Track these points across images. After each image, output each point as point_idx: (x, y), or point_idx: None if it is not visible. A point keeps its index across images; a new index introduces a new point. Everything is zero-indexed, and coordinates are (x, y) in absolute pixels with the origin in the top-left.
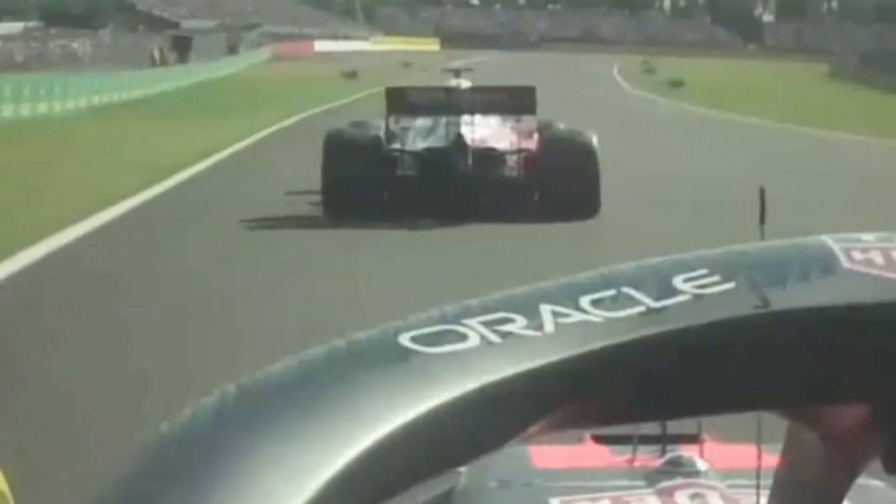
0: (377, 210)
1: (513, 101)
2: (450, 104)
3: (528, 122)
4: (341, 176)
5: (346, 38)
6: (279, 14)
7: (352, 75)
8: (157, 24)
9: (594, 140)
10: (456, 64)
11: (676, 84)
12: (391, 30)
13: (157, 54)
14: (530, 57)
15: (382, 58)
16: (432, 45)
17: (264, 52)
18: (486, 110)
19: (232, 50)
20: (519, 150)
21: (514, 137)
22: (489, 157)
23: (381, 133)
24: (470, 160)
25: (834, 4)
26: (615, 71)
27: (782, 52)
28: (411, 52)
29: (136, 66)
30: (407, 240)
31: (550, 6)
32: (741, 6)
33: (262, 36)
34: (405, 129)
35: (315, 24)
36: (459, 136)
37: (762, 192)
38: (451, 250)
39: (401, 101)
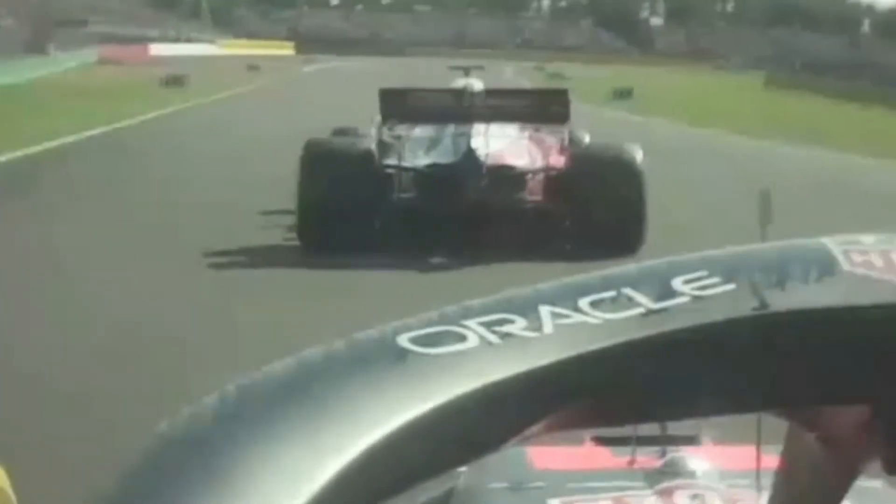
0: (366, 243)
1: (538, 108)
2: (459, 110)
3: (556, 133)
4: (321, 198)
5: (190, 40)
6: (114, 13)
7: (176, 82)
8: None
9: (639, 157)
10: (309, 69)
11: (624, 94)
12: (242, 33)
13: None
14: (395, 63)
15: (227, 62)
16: (286, 49)
17: (86, 55)
18: (505, 118)
19: (35, 49)
20: (545, 169)
21: (538, 153)
22: (507, 176)
23: (373, 145)
24: (484, 180)
25: (729, 7)
26: (510, 76)
27: (674, 57)
28: (261, 57)
29: None
30: (404, 283)
31: (417, 7)
32: (626, 9)
33: (90, 36)
34: (402, 141)
35: (156, 26)
36: (470, 151)
37: (763, 196)
38: (461, 298)
39: (398, 106)
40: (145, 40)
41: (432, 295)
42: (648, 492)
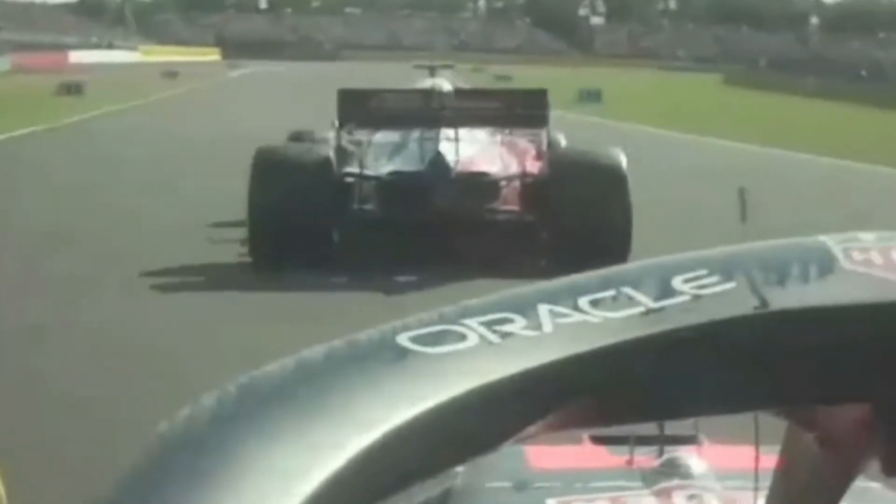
0: (325, 259)
1: (515, 110)
2: (427, 113)
3: (534, 137)
4: (274, 210)
5: (111, 47)
6: (31, 19)
7: (74, 90)
8: None
9: (622, 161)
10: (235, 74)
11: (592, 96)
12: (168, 39)
13: None
14: (325, 67)
15: (144, 69)
16: (212, 54)
17: None
18: (478, 122)
19: None
20: (520, 176)
21: (512, 158)
22: (479, 184)
23: (331, 151)
24: (453, 189)
25: (672, 5)
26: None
27: (615, 57)
28: (184, 63)
29: None
30: (367, 305)
31: (348, 10)
32: (565, 8)
33: (4, 43)
34: (363, 146)
35: (77, 33)
36: (438, 156)
37: (741, 193)
38: None
39: (358, 108)
40: (65, 47)
41: (399, 319)
42: (646, 491)
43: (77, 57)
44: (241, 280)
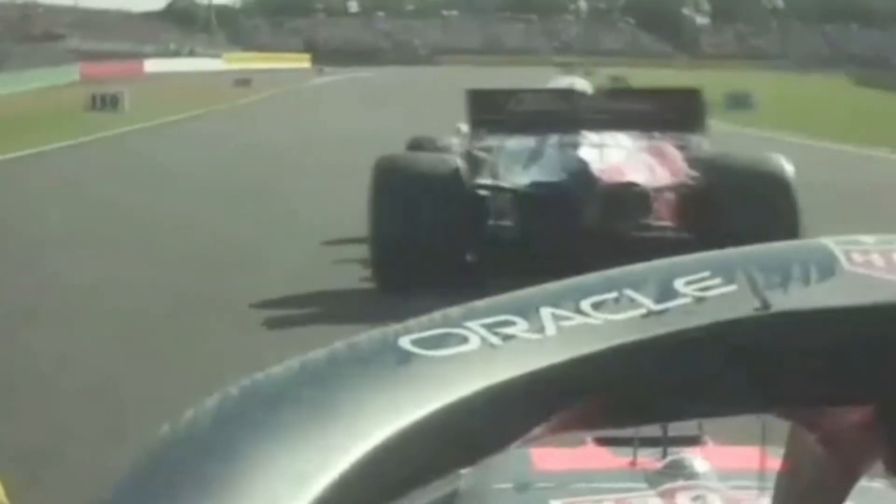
0: (458, 282)
1: (668, 112)
2: (569, 116)
3: (688, 143)
4: (401, 227)
5: (192, 54)
6: (105, 27)
7: (108, 103)
8: None
9: (789, 170)
10: (319, 81)
11: (741, 101)
12: (254, 45)
13: None
14: (421, 73)
15: (219, 77)
16: (301, 61)
17: (57, 74)
18: (626, 125)
19: None
20: (674, 186)
21: (664, 166)
22: (629, 196)
23: (460, 160)
24: (599, 201)
25: (779, 2)
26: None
27: (722, 58)
28: (268, 71)
29: None
30: None
31: (444, 12)
32: (668, 8)
33: (70, 53)
34: (495, 154)
35: (154, 41)
36: (582, 165)
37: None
38: None
39: (492, 111)
40: (141, 56)
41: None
42: (651, 493)
43: (153, 66)
44: (366, 309)
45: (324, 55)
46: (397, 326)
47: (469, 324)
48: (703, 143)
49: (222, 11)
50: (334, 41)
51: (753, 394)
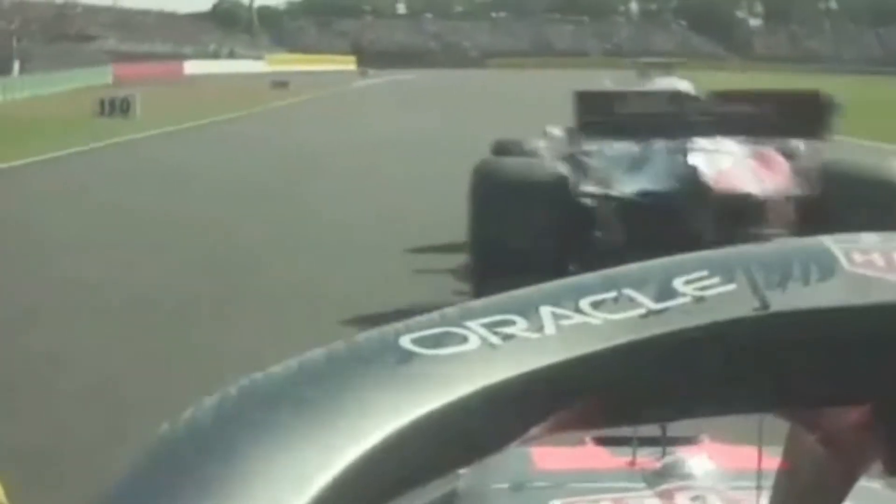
0: None
1: (785, 117)
2: (681, 120)
3: (804, 150)
4: (502, 238)
5: (233, 56)
6: (144, 29)
7: (119, 108)
8: None
9: None
10: (361, 84)
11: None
12: (299, 47)
13: None
14: (471, 76)
15: (258, 79)
16: (347, 63)
17: (87, 75)
18: (742, 130)
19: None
20: (789, 196)
21: (779, 174)
22: (744, 206)
23: (563, 165)
24: (712, 212)
25: (832, 4)
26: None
27: (776, 60)
28: (310, 73)
29: None
30: None
31: (494, 14)
32: (720, 10)
33: (105, 54)
34: (598, 158)
35: (194, 42)
36: (694, 172)
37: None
38: None
39: (600, 113)
40: (181, 57)
41: None
42: (649, 492)
43: (193, 67)
44: None
45: (370, 57)
46: (397, 325)
47: (469, 323)
48: (821, 150)
49: (267, 13)
50: (381, 43)
51: (752, 393)
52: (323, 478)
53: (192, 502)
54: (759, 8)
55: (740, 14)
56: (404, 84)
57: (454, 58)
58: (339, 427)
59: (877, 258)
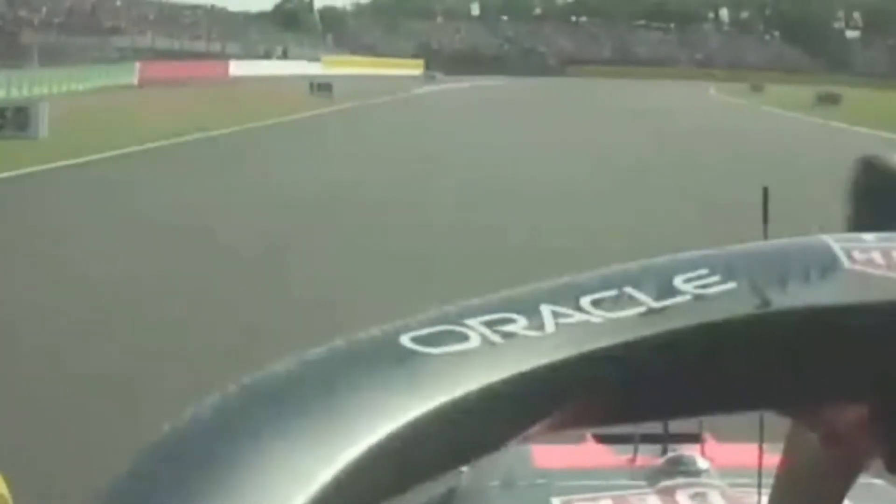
0: None
1: None
2: None
3: None
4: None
5: (284, 56)
6: (190, 25)
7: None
8: None
9: None
10: (421, 91)
11: None
12: (360, 48)
13: None
14: (547, 84)
15: (305, 82)
16: (413, 67)
17: (111, 73)
18: None
19: None
20: None
21: None
22: None
23: None
24: None
25: None
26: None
27: (876, 76)
28: (367, 77)
29: None
30: None
31: (575, 18)
32: (816, 20)
33: (137, 52)
34: None
35: (238, 39)
36: None
37: (765, 192)
38: None
39: None
40: (227, 57)
41: None
42: (650, 490)
43: (239, 68)
44: None
45: (438, 61)
46: (397, 324)
47: (469, 321)
48: None
49: (331, 13)
50: (452, 46)
51: (753, 391)
52: (324, 476)
53: (192, 501)
54: (857, 20)
55: (838, 25)
56: (475, 92)
57: (530, 63)
58: (340, 425)
59: (877, 256)
